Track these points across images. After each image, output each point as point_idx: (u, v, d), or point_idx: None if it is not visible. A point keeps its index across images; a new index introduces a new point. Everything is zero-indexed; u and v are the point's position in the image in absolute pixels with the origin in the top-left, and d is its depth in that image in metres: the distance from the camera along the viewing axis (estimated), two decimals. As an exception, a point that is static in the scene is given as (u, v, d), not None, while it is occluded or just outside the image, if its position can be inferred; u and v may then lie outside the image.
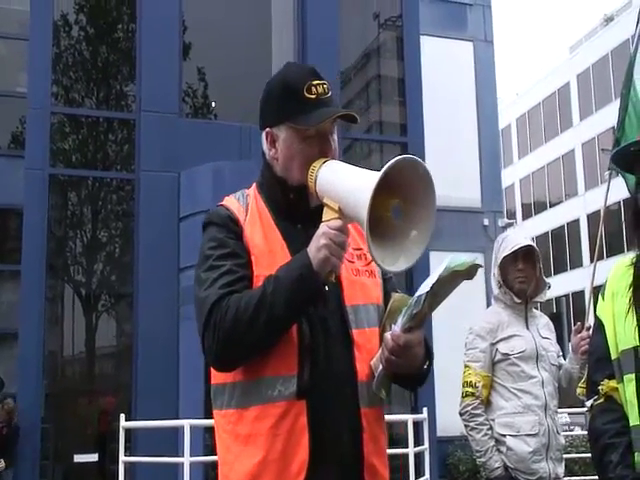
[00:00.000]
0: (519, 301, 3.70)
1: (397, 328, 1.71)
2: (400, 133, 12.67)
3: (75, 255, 10.98)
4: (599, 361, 2.03)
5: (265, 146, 1.96)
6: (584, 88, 36.42)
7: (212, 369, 1.88)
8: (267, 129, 1.94)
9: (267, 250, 1.85)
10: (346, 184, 1.73)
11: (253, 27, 11.88)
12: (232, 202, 1.96)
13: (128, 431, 7.64)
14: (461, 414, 3.65)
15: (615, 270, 2.10)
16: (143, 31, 10.84)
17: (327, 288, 1.80)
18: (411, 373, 1.83)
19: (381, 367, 1.78)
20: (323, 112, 1.86)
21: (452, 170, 13.80)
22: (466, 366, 3.68)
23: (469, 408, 3.61)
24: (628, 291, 1.99)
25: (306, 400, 1.78)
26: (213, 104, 11.63)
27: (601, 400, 1.99)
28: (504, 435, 3.56)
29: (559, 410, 3.73)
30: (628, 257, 2.10)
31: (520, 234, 3.86)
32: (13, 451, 9.83)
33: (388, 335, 1.73)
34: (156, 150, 10.50)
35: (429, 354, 1.88)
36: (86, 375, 11.07)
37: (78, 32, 11.21)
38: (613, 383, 1.98)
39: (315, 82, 1.88)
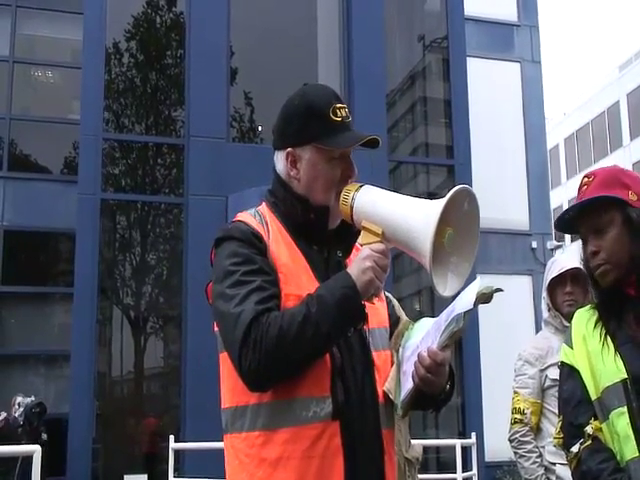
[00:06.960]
0: (569, 325, 3.65)
1: (434, 345, 1.71)
2: (446, 155, 12.64)
3: (125, 278, 11.16)
4: (580, 405, 2.03)
5: (283, 165, 1.94)
6: (634, 107, 35.86)
7: (229, 391, 1.89)
8: (289, 149, 1.92)
9: (293, 269, 1.84)
10: (395, 210, 1.75)
11: (299, 51, 12.02)
12: (249, 218, 1.92)
13: (177, 452, 7.70)
14: (510, 441, 3.62)
15: (578, 317, 2.19)
16: (192, 57, 11.04)
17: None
18: (436, 393, 1.82)
19: (412, 386, 1.77)
20: (351, 135, 1.90)
21: (499, 192, 13.69)
22: (515, 392, 3.64)
23: (517, 435, 3.57)
24: (597, 329, 2.06)
25: (339, 421, 1.77)
26: (260, 128, 11.76)
27: (589, 442, 1.97)
28: (554, 463, 3.51)
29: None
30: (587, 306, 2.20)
31: (570, 256, 3.80)
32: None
33: (424, 352, 1.72)
34: (204, 174, 10.65)
35: (452, 374, 1.88)
36: (135, 396, 11.20)
37: (129, 59, 11.48)
38: (597, 424, 1.98)
39: (338, 105, 1.91)
